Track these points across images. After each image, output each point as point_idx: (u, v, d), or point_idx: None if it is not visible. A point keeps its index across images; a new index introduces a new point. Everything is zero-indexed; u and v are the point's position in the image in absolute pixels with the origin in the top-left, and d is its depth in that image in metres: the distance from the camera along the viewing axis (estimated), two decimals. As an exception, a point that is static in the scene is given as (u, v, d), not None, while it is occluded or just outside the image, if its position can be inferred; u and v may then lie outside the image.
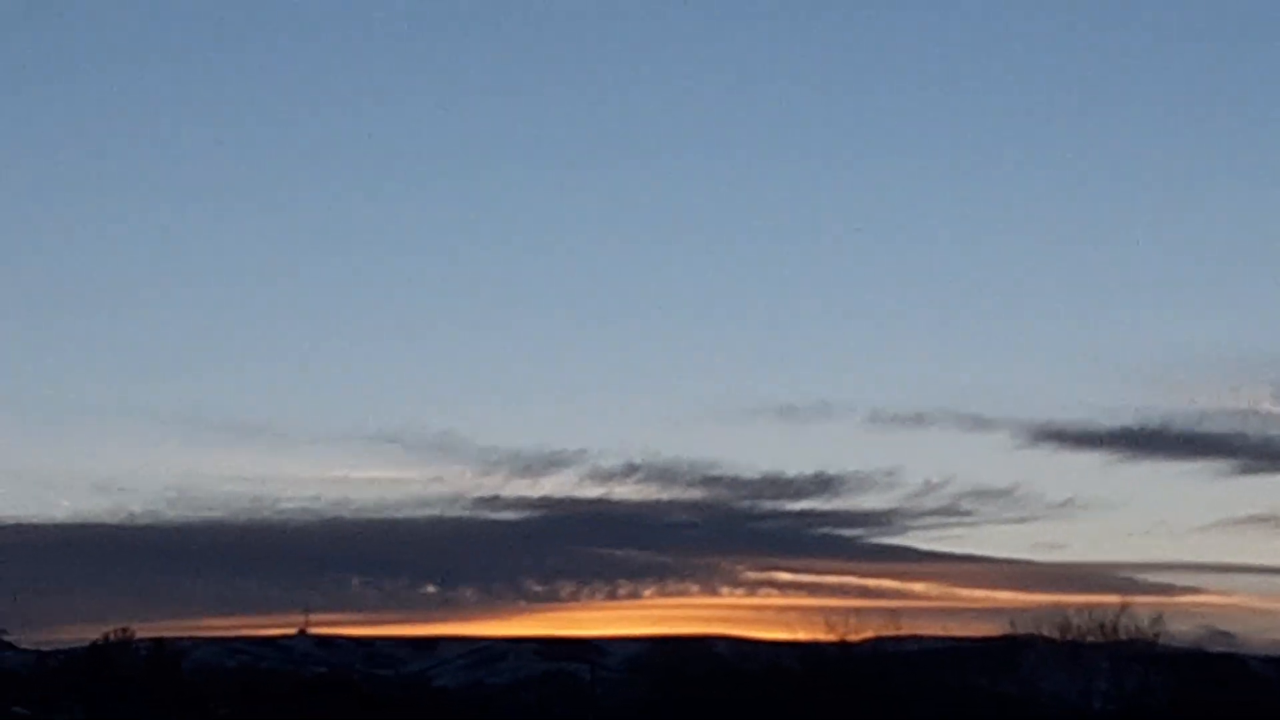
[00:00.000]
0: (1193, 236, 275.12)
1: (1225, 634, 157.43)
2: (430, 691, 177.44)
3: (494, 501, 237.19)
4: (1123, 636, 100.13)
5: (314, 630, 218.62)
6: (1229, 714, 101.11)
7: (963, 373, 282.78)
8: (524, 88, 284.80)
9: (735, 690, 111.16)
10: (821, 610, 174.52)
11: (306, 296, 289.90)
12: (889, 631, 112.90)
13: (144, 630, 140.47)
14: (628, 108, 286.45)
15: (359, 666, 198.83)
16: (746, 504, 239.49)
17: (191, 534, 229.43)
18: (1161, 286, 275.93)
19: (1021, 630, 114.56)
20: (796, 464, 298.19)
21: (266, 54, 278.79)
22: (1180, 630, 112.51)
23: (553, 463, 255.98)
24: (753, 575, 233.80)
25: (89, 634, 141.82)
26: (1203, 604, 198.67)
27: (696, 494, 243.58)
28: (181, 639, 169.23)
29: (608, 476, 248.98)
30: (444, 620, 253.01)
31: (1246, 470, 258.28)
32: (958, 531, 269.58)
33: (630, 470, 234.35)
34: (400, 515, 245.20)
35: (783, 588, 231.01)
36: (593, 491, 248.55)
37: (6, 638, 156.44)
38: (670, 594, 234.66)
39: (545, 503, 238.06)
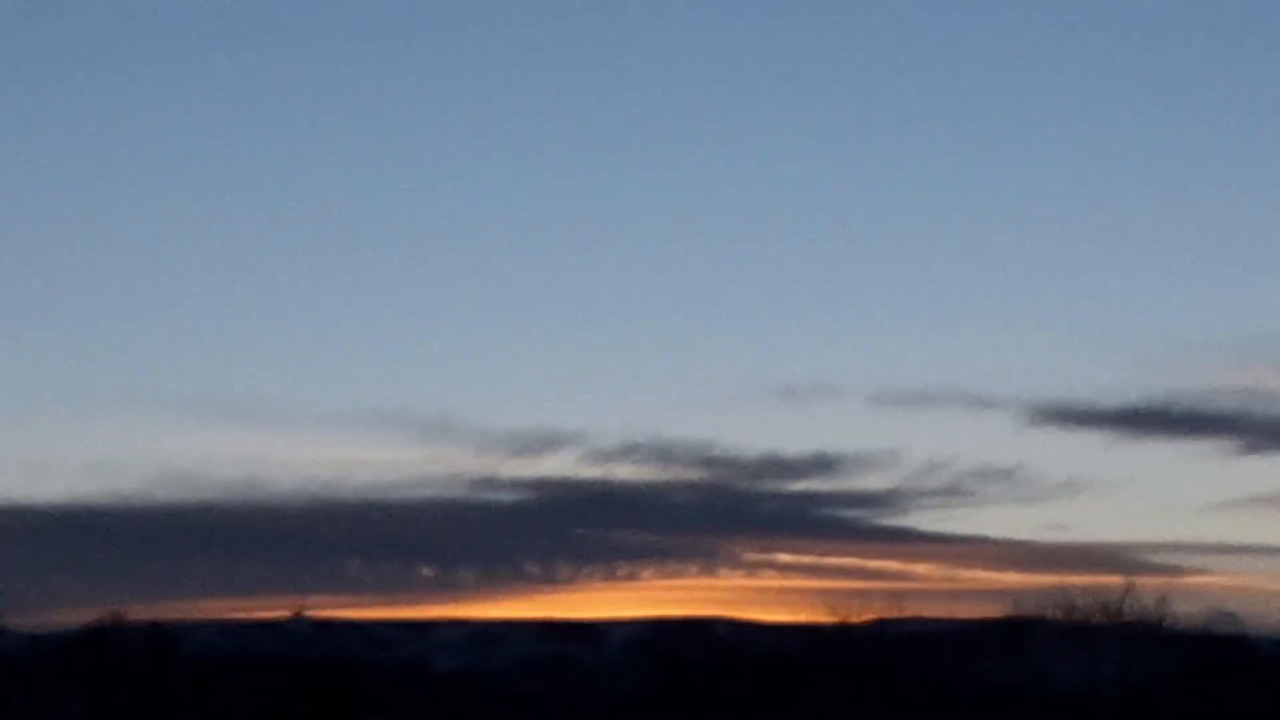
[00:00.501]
0: (1197, 214, 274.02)
1: (1232, 615, 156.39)
2: (428, 674, 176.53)
3: (491, 482, 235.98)
4: (1128, 618, 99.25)
5: (311, 613, 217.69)
6: (1236, 696, 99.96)
7: (965, 352, 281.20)
8: (521, 76, 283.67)
9: (736, 672, 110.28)
10: (823, 592, 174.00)
11: (301, 275, 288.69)
12: (891, 613, 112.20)
13: (139, 613, 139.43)
14: (624, 95, 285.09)
15: (356, 649, 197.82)
16: (746, 484, 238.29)
17: (185, 515, 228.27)
18: (1166, 264, 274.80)
19: (1026, 612, 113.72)
20: (797, 444, 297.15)
21: (264, 46, 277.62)
22: (1186, 611, 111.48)
23: (550, 443, 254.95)
24: (753, 557, 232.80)
25: (83, 617, 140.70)
26: (1209, 585, 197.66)
27: (696, 474, 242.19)
28: (177, 622, 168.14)
29: (606, 457, 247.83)
30: (441, 602, 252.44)
31: (1252, 449, 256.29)
32: (960, 512, 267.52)
33: (629, 451, 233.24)
34: (396, 496, 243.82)
35: (783, 569, 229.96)
36: (591, 472, 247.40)
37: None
38: (670, 575, 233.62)
39: (543, 483, 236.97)
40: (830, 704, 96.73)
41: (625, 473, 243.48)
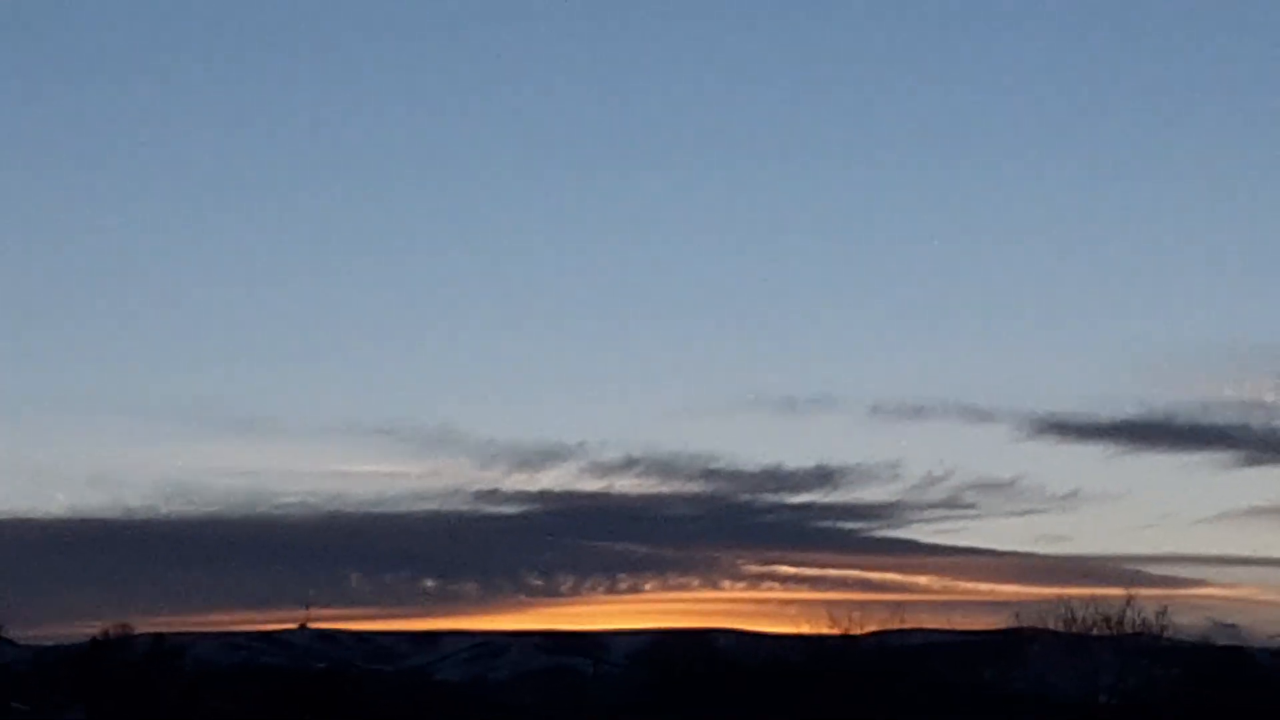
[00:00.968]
0: (1195, 228, 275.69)
1: (1231, 626, 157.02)
2: (432, 686, 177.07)
3: (493, 495, 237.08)
4: (1128, 629, 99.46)
5: (314, 625, 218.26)
6: (1235, 707, 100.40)
7: (964, 364, 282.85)
8: (522, 83, 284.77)
9: (737, 684, 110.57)
10: (824, 603, 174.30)
11: (303, 290, 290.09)
12: (892, 625, 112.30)
13: (143, 625, 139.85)
14: (626, 103, 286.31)
15: (359, 661, 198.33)
16: (747, 497, 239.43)
17: (189, 528, 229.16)
18: (1164, 278, 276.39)
19: (1026, 623, 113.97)
20: (797, 457, 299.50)
21: (266, 53, 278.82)
22: (1186, 623, 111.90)
23: (552, 456, 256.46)
24: (754, 569, 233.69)
25: (87, 630, 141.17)
26: (1208, 596, 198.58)
27: (697, 487, 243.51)
28: (181, 634, 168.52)
29: (607, 470, 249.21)
30: (444, 615, 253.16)
31: (1251, 462, 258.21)
32: (960, 524, 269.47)
33: (630, 463, 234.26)
34: (399, 509, 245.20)
35: (784, 581, 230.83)
36: (592, 485, 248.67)
37: (3, 634, 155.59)
38: (671, 588, 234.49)
39: (544, 496, 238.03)
40: (832, 715, 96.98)
41: (626, 485, 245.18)
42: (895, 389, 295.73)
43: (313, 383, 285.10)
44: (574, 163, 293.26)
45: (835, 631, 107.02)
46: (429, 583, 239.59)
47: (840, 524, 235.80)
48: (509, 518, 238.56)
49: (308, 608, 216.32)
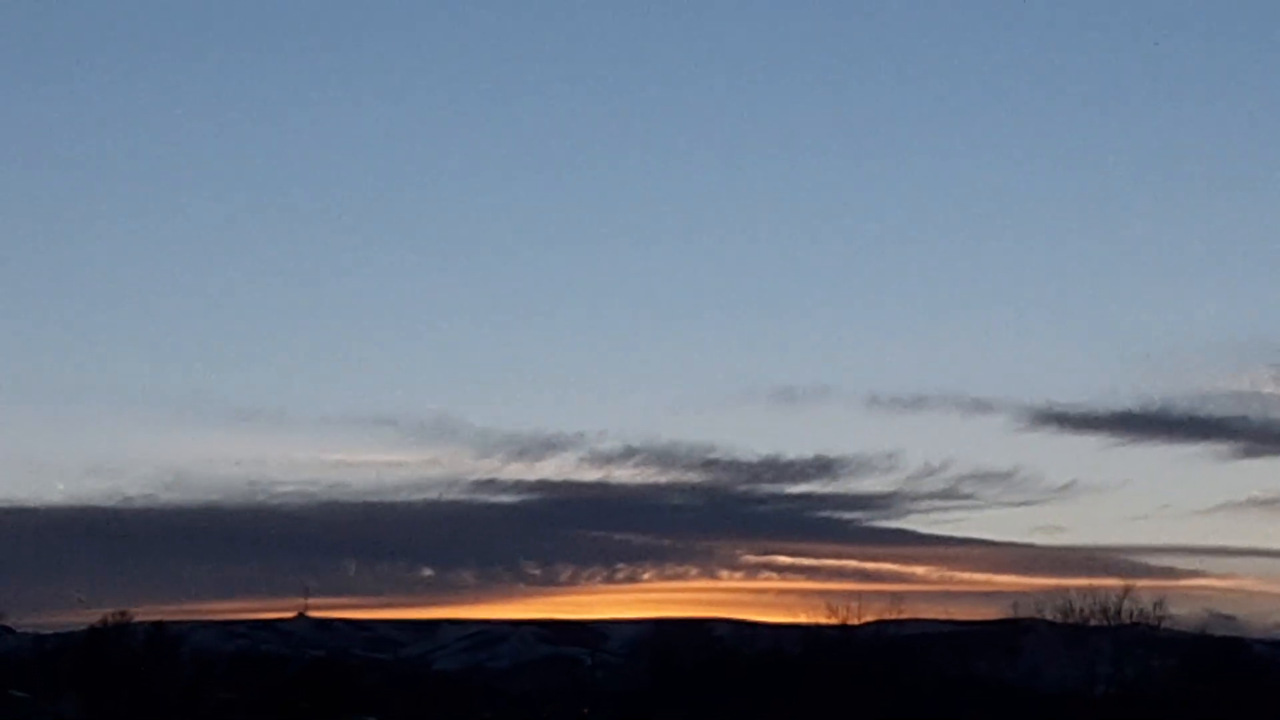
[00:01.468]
0: (1193, 220, 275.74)
1: (1227, 617, 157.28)
2: (430, 674, 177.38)
3: (491, 484, 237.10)
4: (1125, 620, 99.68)
5: (313, 613, 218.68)
6: (1231, 698, 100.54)
7: (962, 356, 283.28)
8: (523, 78, 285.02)
9: (736, 673, 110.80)
10: (822, 593, 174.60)
11: (303, 281, 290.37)
12: (890, 615, 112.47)
13: (142, 614, 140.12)
14: (625, 101, 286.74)
15: (358, 649, 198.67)
16: (745, 487, 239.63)
17: (188, 517, 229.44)
18: (1162, 269, 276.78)
19: (1023, 613, 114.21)
20: (795, 447, 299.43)
21: (269, 49, 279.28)
22: (1182, 614, 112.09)
23: (550, 446, 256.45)
24: (752, 558, 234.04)
25: (87, 617, 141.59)
26: (1205, 587, 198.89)
27: (695, 477, 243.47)
28: (180, 622, 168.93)
29: (606, 459, 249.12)
30: (442, 603, 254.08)
31: (1248, 453, 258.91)
32: (958, 514, 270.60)
33: (628, 453, 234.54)
34: (397, 498, 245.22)
35: (782, 571, 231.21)
36: (591, 474, 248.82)
37: (4, 622, 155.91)
38: (669, 577, 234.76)
39: (543, 485, 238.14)
40: (829, 704, 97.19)
41: (625, 475, 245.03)
42: (893, 380, 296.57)
43: (311, 373, 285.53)
44: (573, 159, 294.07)
45: (833, 621, 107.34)
46: (427, 571, 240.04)
47: (838, 514, 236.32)
48: (507, 507, 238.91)
49: (306, 596, 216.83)
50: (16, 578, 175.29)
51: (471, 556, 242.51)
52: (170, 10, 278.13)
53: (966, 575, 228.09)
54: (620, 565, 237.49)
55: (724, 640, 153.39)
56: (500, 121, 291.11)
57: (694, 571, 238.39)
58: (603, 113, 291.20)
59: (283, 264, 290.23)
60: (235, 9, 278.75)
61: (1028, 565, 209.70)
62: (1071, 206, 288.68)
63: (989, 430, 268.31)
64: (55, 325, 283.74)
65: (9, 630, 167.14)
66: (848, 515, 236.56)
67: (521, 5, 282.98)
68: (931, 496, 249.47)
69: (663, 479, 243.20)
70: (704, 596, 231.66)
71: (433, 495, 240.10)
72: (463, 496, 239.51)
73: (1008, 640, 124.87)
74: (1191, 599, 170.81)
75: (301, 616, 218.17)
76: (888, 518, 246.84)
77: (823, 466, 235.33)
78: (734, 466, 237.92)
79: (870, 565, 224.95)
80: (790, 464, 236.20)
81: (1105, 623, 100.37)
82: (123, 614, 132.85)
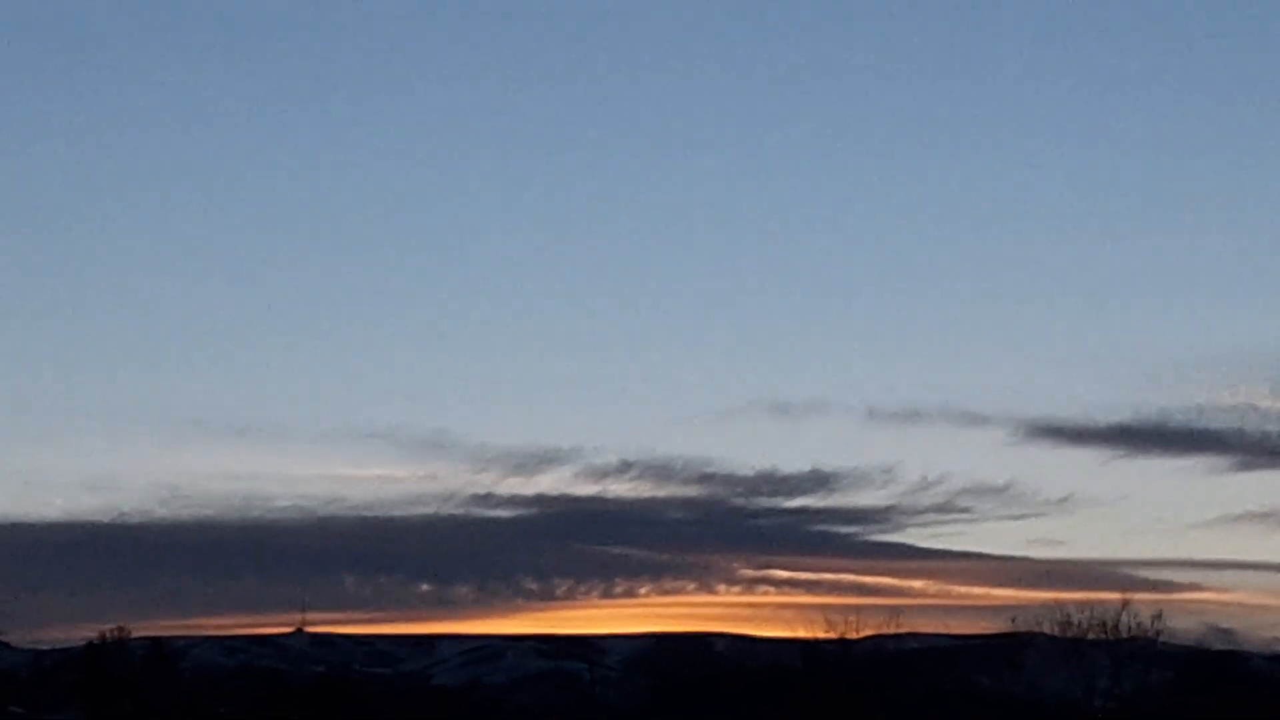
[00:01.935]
0: (1191, 233, 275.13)
1: (1225, 631, 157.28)
2: (429, 689, 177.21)
3: (488, 499, 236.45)
4: (1123, 634, 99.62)
5: (311, 628, 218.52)
6: (1229, 711, 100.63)
7: (959, 369, 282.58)
8: (521, 86, 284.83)
9: (734, 688, 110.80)
10: (820, 608, 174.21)
11: (299, 295, 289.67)
12: (888, 629, 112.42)
13: (140, 629, 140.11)
14: (626, 107, 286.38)
15: (356, 665, 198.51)
16: (742, 501, 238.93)
17: (184, 532, 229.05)
18: (1159, 283, 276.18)
19: (1021, 627, 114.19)
20: (792, 461, 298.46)
21: (265, 53, 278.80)
22: (1180, 627, 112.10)
23: (547, 460, 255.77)
24: (750, 573, 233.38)
25: (84, 633, 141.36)
26: (1203, 601, 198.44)
27: (692, 491, 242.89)
28: (178, 638, 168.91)
29: (602, 474, 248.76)
30: (440, 618, 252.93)
31: (1245, 466, 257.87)
32: (956, 528, 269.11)
33: (625, 468, 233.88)
34: (394, 513, 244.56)
35: (780, 585, 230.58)
36: (587, 489, 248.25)
37: (2, 638, 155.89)
38: (667, 592, 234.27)
39: (540, 500, 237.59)
40: (828, 718, 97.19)
41: (622, 489, 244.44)
42: (890, 393, 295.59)
43: (308, 387, 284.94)
44: (571, 168, 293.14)
45: (831, 635, 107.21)
46: (425, 586, 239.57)
47: (835, 528, 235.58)
48: (504, 521, 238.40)
49: (303, 611, 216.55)
50: (14, 594, 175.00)
51: (469, 571, 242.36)
52: (175, 12, 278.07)
53: (964, 589, 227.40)
54: (618, 579, 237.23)
55: (722, 654, 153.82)
56: (500, 133, 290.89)
57: (691, 586, 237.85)
58: (599, 128, 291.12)
59: (279, 279, 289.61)
60: (243, 15, 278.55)
61: (1025, 579, 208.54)
62: (1068, 220, 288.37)
63: (986, 444, 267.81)
64: (50, 340, 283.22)
65: (7, 646, 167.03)
66: (845, 529, 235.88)
67: (526, 11, 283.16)
68: (929, 510, 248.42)
69: (659, 493, 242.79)
70: (702, 611, 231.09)
71: (430, 510, 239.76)
72: (460, 511, 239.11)
73: (1006, 654, 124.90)
74: (1189, 612, 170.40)
75: (299, 631, 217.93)
76: (885, 531, 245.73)
77: (819, 480, 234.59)
78: (730, 480, 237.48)
79: (868, 579, 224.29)
80: (787, 478, 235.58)
81: (1103, 636, 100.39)
82: (121, 630, 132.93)
